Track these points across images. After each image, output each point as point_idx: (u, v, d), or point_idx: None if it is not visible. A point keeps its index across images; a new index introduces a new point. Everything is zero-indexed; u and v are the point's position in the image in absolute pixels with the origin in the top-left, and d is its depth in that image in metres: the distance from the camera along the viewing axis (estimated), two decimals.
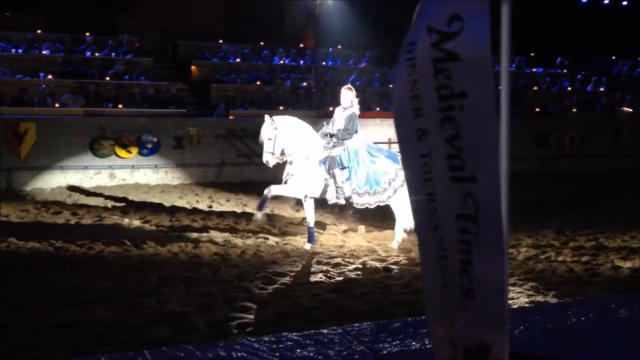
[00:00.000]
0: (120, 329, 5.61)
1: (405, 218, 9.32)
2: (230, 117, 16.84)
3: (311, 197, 9.34)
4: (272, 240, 9.65)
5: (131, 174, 14.94)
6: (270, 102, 17.85)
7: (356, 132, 9.39)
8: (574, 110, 20.99)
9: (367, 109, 19.13)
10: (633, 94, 22.47)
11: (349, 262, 8.42)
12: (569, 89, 22.92)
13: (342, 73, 20.95)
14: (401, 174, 9.26)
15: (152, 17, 21.29)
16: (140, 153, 14.93)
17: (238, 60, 20.33)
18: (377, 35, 20.70)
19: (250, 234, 9.94)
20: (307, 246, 9.21)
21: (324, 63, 21.29)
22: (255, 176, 15.30)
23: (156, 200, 13.00)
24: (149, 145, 14.95)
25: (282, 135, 9.11)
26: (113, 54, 18.78)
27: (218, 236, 9.77)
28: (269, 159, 9.10)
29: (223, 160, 15.53)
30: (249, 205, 12.68)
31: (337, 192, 9.27)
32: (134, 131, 14.94)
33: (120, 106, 16.31)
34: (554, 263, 8.33)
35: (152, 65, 19.13)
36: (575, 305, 4.25)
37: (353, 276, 7.68)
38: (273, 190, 9.30)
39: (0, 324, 5.60)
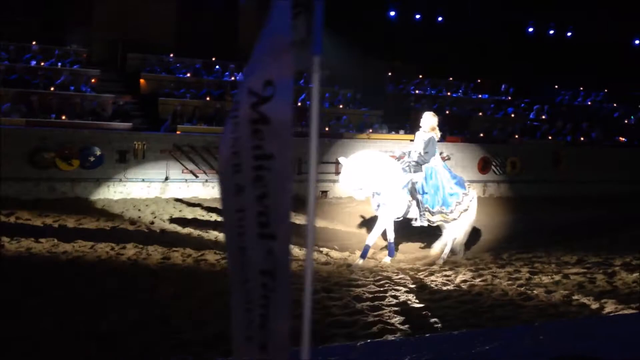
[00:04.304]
0: None
1: (451, 241, 10.17)
2: (177, 132, 16.67)
3: (395, 218, 10.02)
4: (213, 259, 9.54)
5: (72, 188, 14.59)
6: (219, 118, 17.71)
7: (434, 156, 10.00)
8: (517, 136, 21.47)
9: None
10: (573, 123, 23.16)
11: None
12: (513, 115, 23.47)
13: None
14: (466, 199, 10.10)
15: (102, 27, 20.89)
16: (82, 166, 14.60)
17: (188, 74, 20.18)
18: (329, 56, 20.85)
19: (191, 253, 9.82)
20: (387, 259, 9.93)
21: None
22: (200, 192, 15.20)
23: (95, 215, 12.73)
24: (92, 159, 14.63)
25: (364, 170, 9.58)
26: (59, 63, 18.42)
27: (156, 255, 9.60)
28: (359, 195, 9.79)
29: (167, 175, 15.34)
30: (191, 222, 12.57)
31: (420, 214, 9.93)
32: (77, 143, 14.61)
33: (63, 117, 15.98)
34: (489, 286, 8.49)
35: (100, 76, 18.81)
36: (483, 334, 4.34)
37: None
38: (371, 239, 9.86)
39: None
